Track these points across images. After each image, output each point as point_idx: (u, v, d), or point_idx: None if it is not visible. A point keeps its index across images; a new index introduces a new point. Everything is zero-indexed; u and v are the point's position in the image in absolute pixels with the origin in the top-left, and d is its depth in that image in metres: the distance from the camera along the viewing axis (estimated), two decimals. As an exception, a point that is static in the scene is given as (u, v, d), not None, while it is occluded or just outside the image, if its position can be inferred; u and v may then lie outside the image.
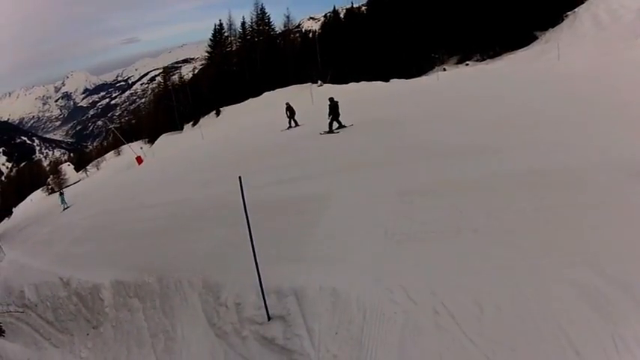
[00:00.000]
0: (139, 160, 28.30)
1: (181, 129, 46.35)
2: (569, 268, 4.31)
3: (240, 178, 4.85)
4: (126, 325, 7.04)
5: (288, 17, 49.70)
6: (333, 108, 14.27)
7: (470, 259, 4.81)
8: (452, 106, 14.41)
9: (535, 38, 36.18)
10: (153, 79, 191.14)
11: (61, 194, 22.71)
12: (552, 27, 35.48)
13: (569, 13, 34.96)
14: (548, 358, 3.63)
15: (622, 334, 3.57)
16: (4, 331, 10.28)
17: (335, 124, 14.35)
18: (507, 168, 6.92)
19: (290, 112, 20.05)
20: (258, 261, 5.01)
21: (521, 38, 36.13)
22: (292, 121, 20.01)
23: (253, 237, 4.99)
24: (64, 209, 20.49)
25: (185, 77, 62.34)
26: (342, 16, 55.52)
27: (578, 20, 33.00)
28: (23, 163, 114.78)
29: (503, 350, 3.80)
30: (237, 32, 49.59)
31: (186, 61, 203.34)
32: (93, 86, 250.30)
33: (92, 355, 7.56)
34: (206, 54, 53.28)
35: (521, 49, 35.47)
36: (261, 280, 5.03)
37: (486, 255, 4.81)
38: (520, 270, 4.46)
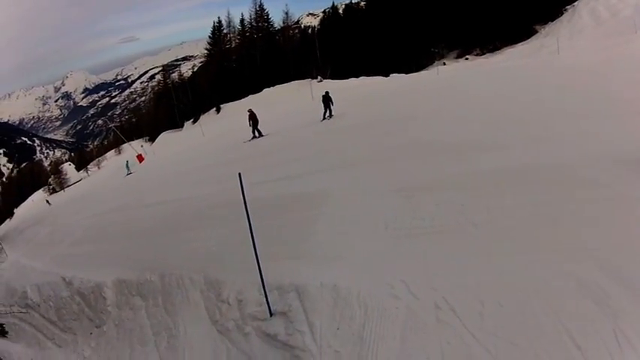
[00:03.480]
0: (140, 158, 28.31)
1: (182, 126, 46.51)
2: (570, 263, 4.30)
3: (240, 174, 4.86)
4: (129, 324, 7.08)
5: (287, 13, 49.83)
6: (326, 99, 17.38)
7: (470, 254, 4.81)
8: (451, 101, 14.41)
9: (535, 32, 36.38)
10: (152, 77, 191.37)
11: (127, 162, 26.79)
12: (552, 21, 35.68)
13: (568, 7, 35.11)
14: (550, 352, 3.62)
15: (623, 328, 3.56)
16: (7, 332, 10.36)
17: (327, 113, 17.47)
18: (507, 163, 6.90)
19: (253, 121, 18.16)
20: (259, 257, 5.02)
21: (520, 32, 36.39)
22: (256, 131, 18.26)
23: (255, 234, 5.00)
24: (127, 174, 24.38)
25: (185, 75, 62.65)
26: (340, 11, 55.61)
27: (577, 14, 33.18)
28: (24, 164, 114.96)
29: (505, 345, 3.80)
30: (236, 29, 49.97)
31: (185, 58, 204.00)
32: (92, 85, 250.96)
33: (95, 354, 7.60)
34: (205, 51, 53.60)
35: (521, 43, 35.65)
36: (263, 276, 5.05)
37: (487, 250, 4.80)
38: (521, 265, 4.46)
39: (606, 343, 3.52)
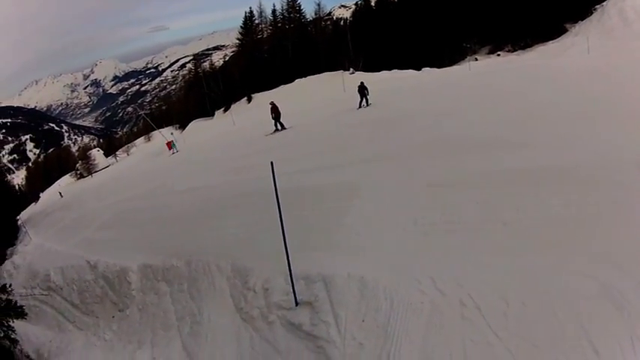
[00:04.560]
0: (169, 145, 28.55)
1: (212, 115, 46.33)
2: (593, 266, 4.32)
3: (272, 163, 4.93)
4: (152, 308, 7.22)
5: (319, 5, 49.35)
6: (362, 89, 18.22)
7: (497, 252, 4.83)
8: (482, 98, 14.11)
9: (565, 30, 35.95)
10: (183, 66, 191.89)
11: (173, 142, 27.86)
12: (582, 20, 35.29)
13: (597, 6, 34.80)
14: (568, 356, 3.65)
15: None
16: (26, 314, 10.45)
17: (364, 102, 18.17)
18: (536, 163, 6.81)
19: (275, 113, 17.88)
20: (288, 247, 5.10)
21: (551, 30, 35.98)
22: (278, 124, 17.98)
23: (285, 223, 5.07)
24: (173, 153, 25.48)
25: (216, 64, 62.57)
26: (373, 4, 55.01)
27: (606, 14, 32.87)
28: (51, 149, 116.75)
29: (526, 346, 3.84)
30: (268, 20, 49.54)
31: (216, 48, 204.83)
32: (122, 73, 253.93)
33: (116, 337, 7.76)
34: (237, 41, 53.31)
35: (552, 41, 35.23)
36: (290, 265, 5.14)
37: (513, 249, 4.82)
38: (545, 266, 4.47)
39: (623, 349, 3.54)
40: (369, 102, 18.11)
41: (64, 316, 9.68)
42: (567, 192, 5.67)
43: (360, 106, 18.01)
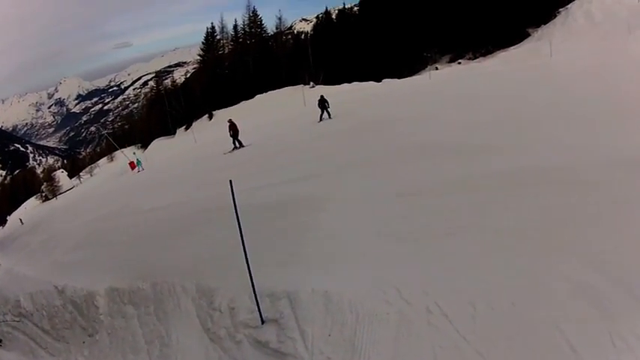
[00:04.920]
0: (132, 165, 28.33)
1: (174, 133, 46.27)
2: (566, 266, 4.30)
3: (230, 181, 4.83)
4: (121, 332, 6.99)
5: (280, 19, 49.81)
6: (322, 102, 18.68)
7: (463, 258, 4.80)
8: (445, 105, 14.43)
9: (527, 35, 36.22)
10: (145, 83, 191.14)
11: (138, 160, 28.25)
12: (545, 24, 35.47)
13: (561, 9, 34.96)
14: (544, 355, 3.61)
15: (620, 330, 3.56)
16: (1, 340, 10.23)
17: (325, 115, 18.69)
18: (502, 167, 6.90)
19: (233, 131, 17.74)
20: (251, 264, 4.99)
21: (513, 35, 36.21)
22: (236, 142, 17.80)
23: (247, 240, 4.98)
24: (139, 172, 25.84)
25: (177, 81, 62.44)
26: (334, 17, 55.51)
27: (570, 17, 33.07)
28: (17, 171, 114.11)
29: (498, 348, 3.79)
30: (230, 35, 49.78)
31: (178, 65, 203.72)
32: (85, 92, 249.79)
33: (88, 363, 7.54)
34: (198, 57, 53.50)
35: (514, 47, 35.48)
36: (254, 283, 5.01)
37: (480, 253, 4.80)
38: (514, 268, 4.45)
39: (602, 345, 3.51)
40: (331, 115, 18.65)
41: (36, 342, 9.40)
42: (536, 194, 5.71)
43: (320, 119, 18.49)
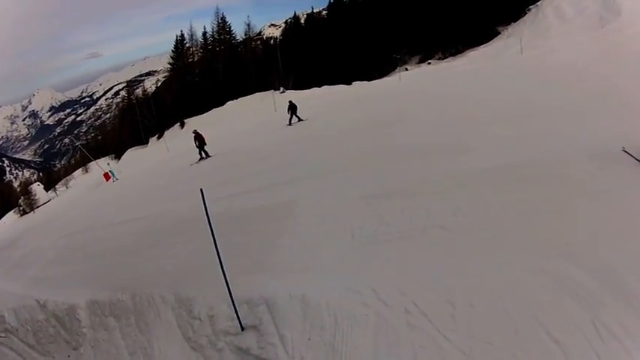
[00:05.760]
0: (107, 176, 27.89)
1: (147, 143, 45.63)
2: (545, 260, 4.29)
3: (201, 190, 4.75)
4: (104, 345, 6.88)
5: (248, 25, 49.13)
6: (291, 107, 18.75)
7: (439, 257, 4.78)
8: (416, 106, 14.43)
9: (497, 33, 36.15)
10: (117, 93, 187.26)
11: (112, 171, 27.71)
12: (514, 21, 35.44)
13: (531, 7, 34.89)
14: (527, 349, 3.60)
15: (603, 320, 3.57)
16: (-11, 357, 10.07)
17: (294, 119, 18.69)
18: (474, 165, 6.91)
19: (199, 141, 17.63)
20: (227, 272, 4.92)
21: (482, 34, 36.02)
22: (202, 152, 17.71)
23: (222, 248, 4.92)
24: (114, 182, 25.48)
25: (148, 90, 61.77)
26: (302, 21, 55.35)
27: (541, 13, 33.03)
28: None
29: (480, 345, 3.77)
30: (199, 42, 48.95)
31: (149, 74, 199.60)
32: (58, 104, 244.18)
33: (74, 377, 7.43)
34: (168, 66, 52.53)
35: (483, 45, 35.38)
36: (231, 291, 4.93)
37: (455, 252, 4.79)
38: (492, 265, 4.43)
39: (586, 335, 3.52)
40: (301, 118, 18.64)
41: (23, 357, 9.23)
42: (511, 191, 5.75)
43: (290, 123, 18.63)
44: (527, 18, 34.21)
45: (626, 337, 3.42)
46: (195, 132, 18.08)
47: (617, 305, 3.65)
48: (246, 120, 27.95)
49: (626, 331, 3.45)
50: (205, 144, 17.74)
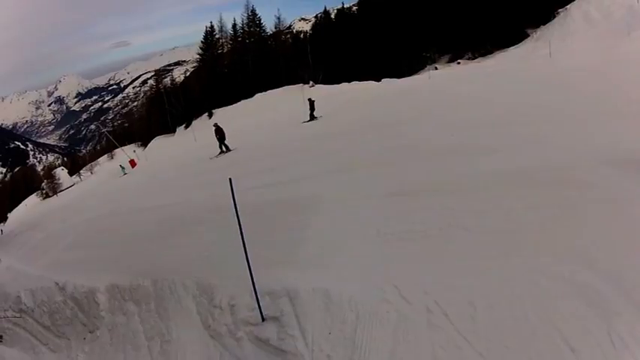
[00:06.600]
0: (133, 163, 28.28)
1: (174, 131, 46.21)
2: (563, 265, 4.30)
3: (230, 180, 4.83)
4: (122, 329, 7.00)
5: (279, 18, 49.94)
6: (311, 104, 20.34)
7: (461, 257, 4.81)
8: (443, 105, 14.46)
9: (526, 35, 36.32)
10: (145, 82, 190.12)
11: (121, 165, 28.86)
12: (544, 24, 35.47)
13: (560, 10, 34.91)
14: (543, 355, 3.62)
15: (618, 330, 3.56)
16: (1, 336, 10.24)
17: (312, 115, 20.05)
18: (499, 167, 6.92)
19: (220, 135, 17.69)
20: (251, 262, 4.99)
21: (512, 36, 36.31)
22: (223, 146, 17.77)
23: (246, 239, 4.98)
24: (123, 175, 26.20)
25: (177, 80, 62.42)
26: (332, 16, 55.59)
27: (569, 17, 33.08)
28: (17, 168, 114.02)
29: (497, 348, 3.79)
30: (229, 34, 49.73)
31: (177, 63, 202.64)
32: (85, 90, 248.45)
33: (89, 359, 7.55)
34: (197, 56, 53.43)
35: (513, 47, 35.59)
36: (255, 281, 5.02)
37: (478, 253, 4.80)
38: (513, 268, 4.45)
39: (601, 345, 3.51)
40: (316, 116, 19.90)
41: (37, 338, 9.39)
42: (533, 194, 5.73)
43: (310, 119, 19.87)
44: (556, 21, 34.48)
45: (637, 347, 3.43)
46: (215, 125, 18.21)
47: (630, 316, 3.66)
48: (274, 113, 28.19)
49: (638, 341, 3.47)
50: (225, 138, 17.81)
